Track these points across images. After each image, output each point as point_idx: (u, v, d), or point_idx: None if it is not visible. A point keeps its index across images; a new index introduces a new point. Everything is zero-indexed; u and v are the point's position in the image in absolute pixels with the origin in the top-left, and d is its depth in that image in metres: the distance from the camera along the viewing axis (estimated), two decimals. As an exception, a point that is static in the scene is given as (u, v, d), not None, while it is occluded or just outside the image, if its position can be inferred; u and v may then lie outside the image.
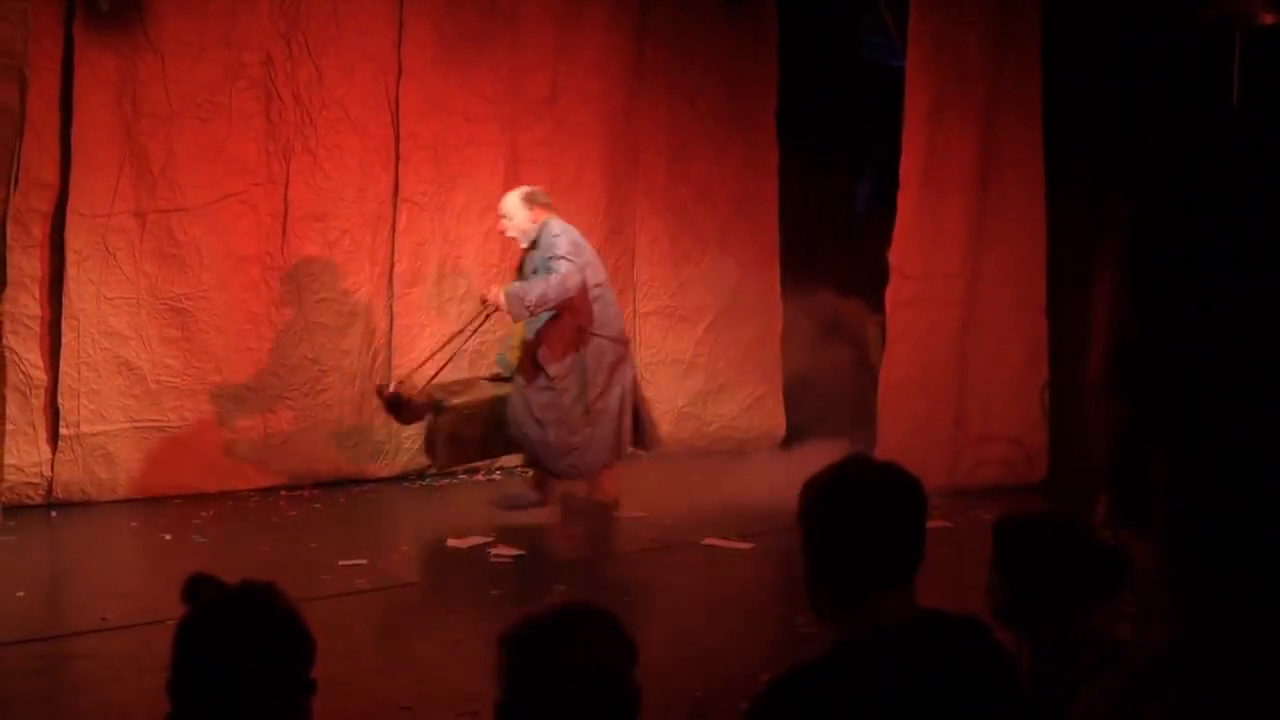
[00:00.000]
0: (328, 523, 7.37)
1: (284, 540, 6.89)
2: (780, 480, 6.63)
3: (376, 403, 7.48)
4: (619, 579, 6.32)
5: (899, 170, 8.34)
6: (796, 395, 9.54)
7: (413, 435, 8.34)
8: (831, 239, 9.46)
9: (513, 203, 7.13)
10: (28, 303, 7.25)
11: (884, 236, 8.44)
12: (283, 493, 7.92)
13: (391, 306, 8.41)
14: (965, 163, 8.37)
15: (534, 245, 7.05)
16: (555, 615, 2.23)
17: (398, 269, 8.41)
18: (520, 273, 7.19)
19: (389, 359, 8.40)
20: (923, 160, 8.33)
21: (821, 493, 2.36)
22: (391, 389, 7.24)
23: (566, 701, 2.15)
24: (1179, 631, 1.98)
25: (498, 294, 7.03)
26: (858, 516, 2.31)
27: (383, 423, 8.15)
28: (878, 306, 8.66)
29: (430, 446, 7.35)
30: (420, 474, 8.46)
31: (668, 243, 9.44)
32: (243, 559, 6.26)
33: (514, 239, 7.18)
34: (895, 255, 8.36)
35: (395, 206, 8.36)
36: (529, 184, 8.42)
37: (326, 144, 8.04)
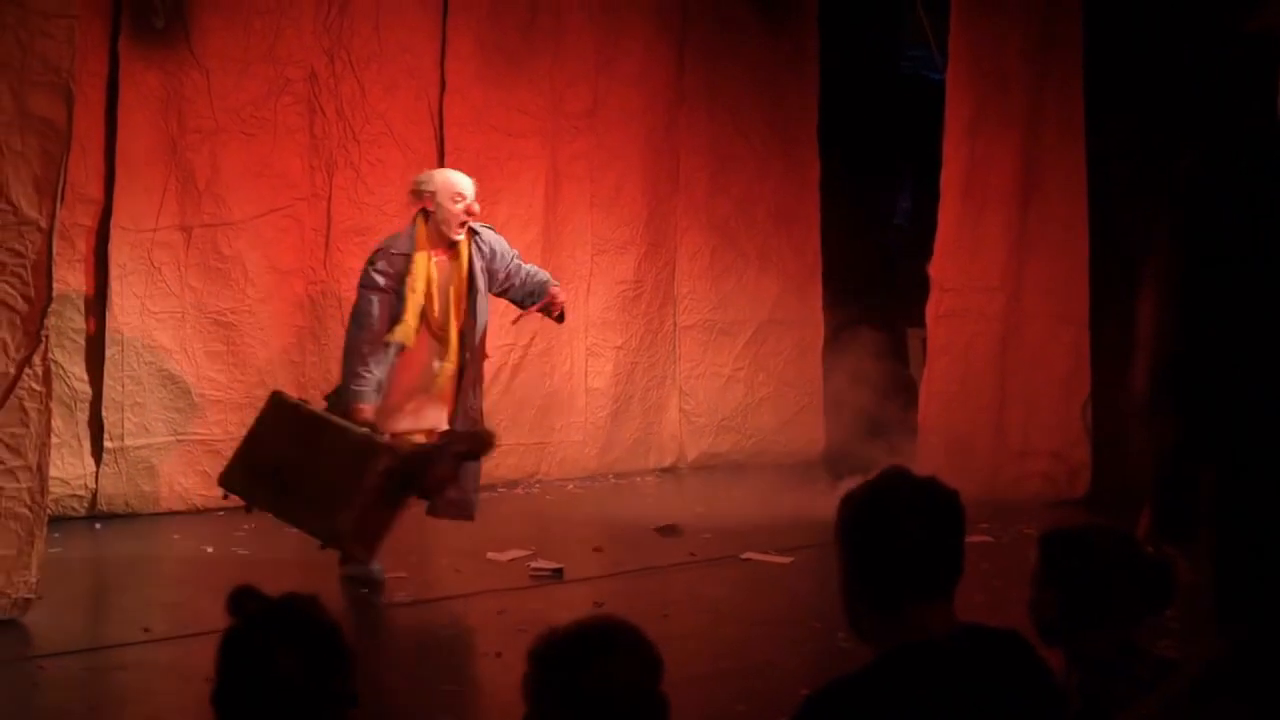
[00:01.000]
0: None
1: (325, 553, 6.64)
2: (819, 494, 7.05)
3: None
4: (658, 593, 6.30)
5: (940, 183, 8.39)
6: (837, 409, 9.52)
7: None
8: (873, 253, 9.53)
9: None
10: (73, 316, 7.30)
11: (925, 250, 8.49)
12: None
13: None
14: (1006, 175, 8.41)
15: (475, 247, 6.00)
16: (581, 631, 2.24)
17: None
18: (471, 287, 5.99)
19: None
20: (963, 172, 8.41)
21: (859, 507, 2.36)
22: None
23: (593, 716, 2.17)
24: (1225, 648, 1.98)
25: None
26: (896, 531, 2.31)
27: None
28: (918, 320, 8.70)
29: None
30: None
31: (708, 256, 9.47)
32: (284, 572, 6.10)
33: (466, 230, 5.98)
34: (936, 269, 8.45)
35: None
36: (568, 198, 8.60)
37: (369, 158, 8.08)
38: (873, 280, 9.32)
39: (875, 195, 10.24)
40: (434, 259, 5.85)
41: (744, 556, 6.88)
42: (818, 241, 9.78)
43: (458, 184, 5.89)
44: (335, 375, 7.72)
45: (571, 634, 2.24)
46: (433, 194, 5.85)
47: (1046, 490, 8.23)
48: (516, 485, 8.41)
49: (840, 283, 9.59)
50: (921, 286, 8.46)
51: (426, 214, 5.82)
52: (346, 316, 7.75)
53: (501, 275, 6.01)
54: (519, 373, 8.61)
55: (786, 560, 6.79)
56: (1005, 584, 5.55)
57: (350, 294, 7.78)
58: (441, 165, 8.18)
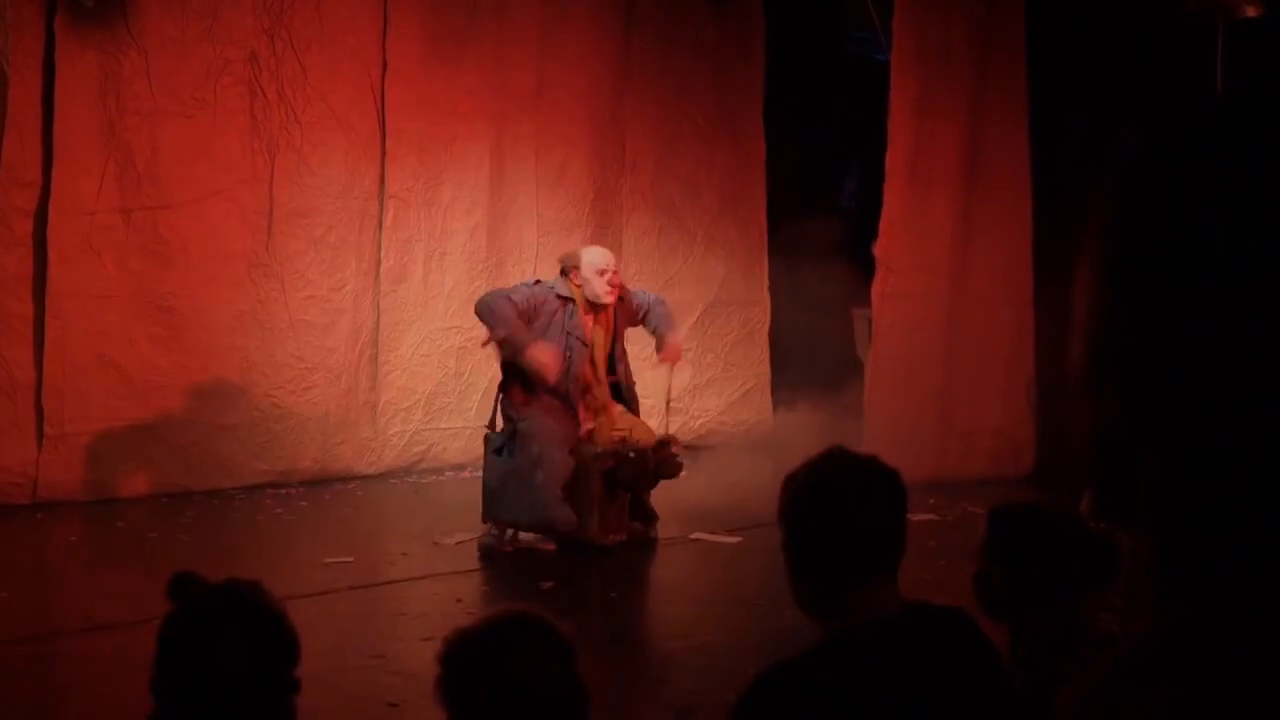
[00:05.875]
0: (314, 521, 7.35)
1: (270, 538, 6.92)
2: (767, 473, 6.70)
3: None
4: (606, 573, 6.33)
5: (885, 164, 8.34)
6: (784, 389, 9.52)
7: (398, 433, 8.43)
8: (818, 234, 9.36)
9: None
10: (11, 302, 7.22)
11: (870, 230, 8.46)
12: (269, 491, 7.87)
13: (378, 303, 8.39)
14: (952, 156, 8.42)
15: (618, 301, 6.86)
16: (488, 628, 2.22)
17: (384, 265, 8.38)
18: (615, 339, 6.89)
19: (375, 356, 8.40)
20: (909, 153, 8.35)
21: (802, 487, 2.34)
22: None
23: (512, 710, 2.16)
24: (1165, 624, 1.97)
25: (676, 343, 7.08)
26: (838, 510, 2.29)
27: (368, 420, 8.23)
28: (864, 300, 8.67)
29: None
30: (406, 471, 8.46)
31: (655, 237, 9.43)
32: (228, 557, 6.24)
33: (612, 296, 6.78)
34: (881, 249, 8.37)
35: (381, 202, 8.33)
36: (514, 178, 8.64)
37: (311, 140, 8.02)
38: (819, 260, 9.19)
39: (822, 176, 10.22)
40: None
41: (693, 537, 6.92)
42: (764, 222, 9.76)
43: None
44: (280, 358, 7.91)
45: (478, 631, 2.21)
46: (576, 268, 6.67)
47: (992, 469, 8.27)
48: (464, 469, 8.37)
49: (787, 263, 9.53)
50: (868, 267, 8.43)
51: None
52: (289, 300, 7.99)
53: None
54: (465, 356, 8.56)
55: (735, 540, 6.82)
56: (951, 562, 5.59)
57: (293, 278, 7.97)
58: (383, 147, 8.24)
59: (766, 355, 9.80)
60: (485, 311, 6.47)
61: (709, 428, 9.67)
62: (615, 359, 6.82)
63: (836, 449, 2.38)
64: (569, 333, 6.52)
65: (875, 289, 8.42)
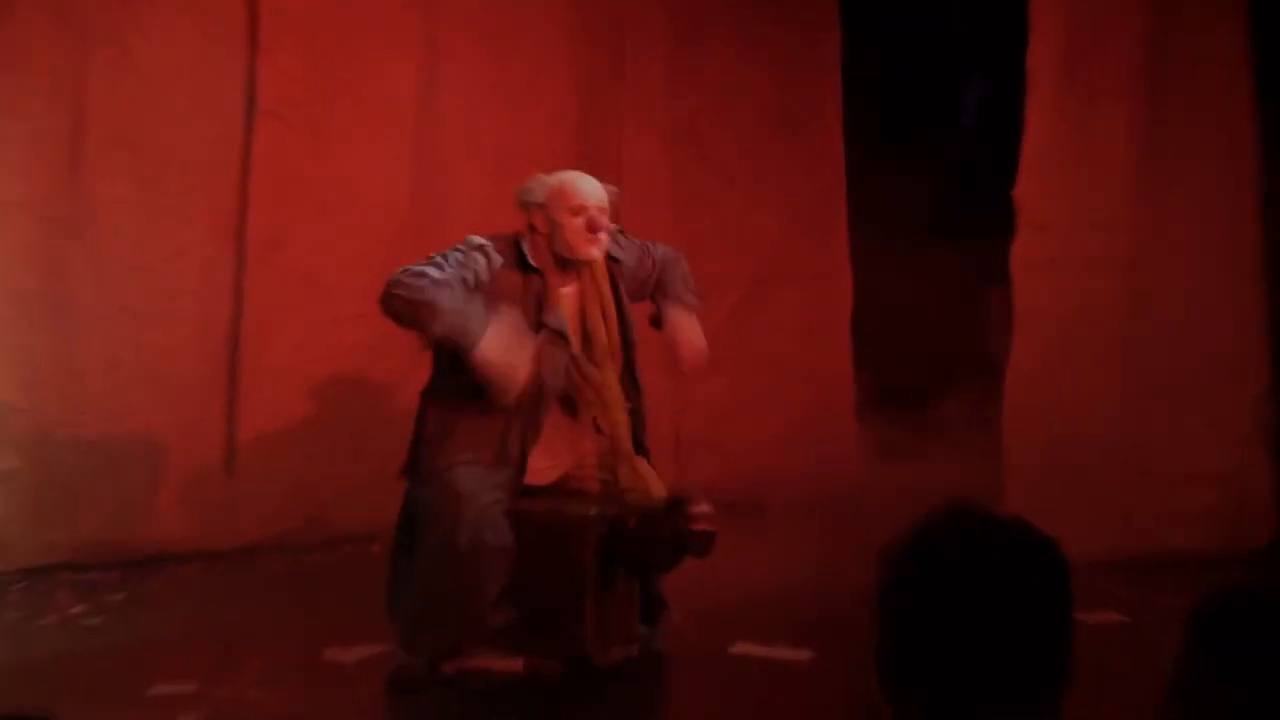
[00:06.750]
0: (134, 623, 7.17)
1: (66, 652, 6.68)
2: (852, 547, 6.77)
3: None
4: (600, 708, 6.03)
5: (1025, 64, 8.17)
6: (875, 411, 9.36)
7: (270, 484, 8.31)
8: (924, 172, 9.47)
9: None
10: None
11: (1004, 167, 8.21)
12: (64, 576, 7.75)
13: (241, 280, 8.19)
14: (1129, 54, 8.15)
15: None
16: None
17: (251, 221, 8.19)
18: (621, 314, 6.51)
19: (235, 363, 8.19)
20: (1061, 47, 8.15)
21: (907, 569, 2.39)
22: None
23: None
24: None
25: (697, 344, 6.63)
26: (963, 606, 2.32)
27: (223, 464, 8.20)
28: (998, 273, 8.41)
29: None
30: (281, 544, 8.32)
31: (669, 177, 9.15)
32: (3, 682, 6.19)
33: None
34: (1023, 194, 8.16)
35: (249, 124, 8.17)
36: (454, 86, 8.71)
37: (144, 27, 7.97)
38: (927, 213, 9.40)
39: (929, 84, 10.23)
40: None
41: (735, 650, 6.62)
42: (841, 153, 9.44)
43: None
44: (85, 365, 7.86)
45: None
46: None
47: (1208, 538, 7.93)
48: (371, 541, 8.14)
49: (877, 218, 9.40)
50: (1003, 221, 8.20)
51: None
52: (101, 274, 8.03)
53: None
54: (376, 361, 8.52)
55: (803, 656, 6.54)
56: (1147, 683, 5.26)
57: (109, 240, 7.94)
58: (253, 38, 8.18)
59: (847, 358, 9.48)
60: (404, 298, 6.02)
61: (755, 468, 9.29)
62: (628, 358, 6.44)
63: (959, 507, 2.42)
64: (540, 322, 6.17)
65: (1015, 256, 8.20)
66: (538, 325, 6.19)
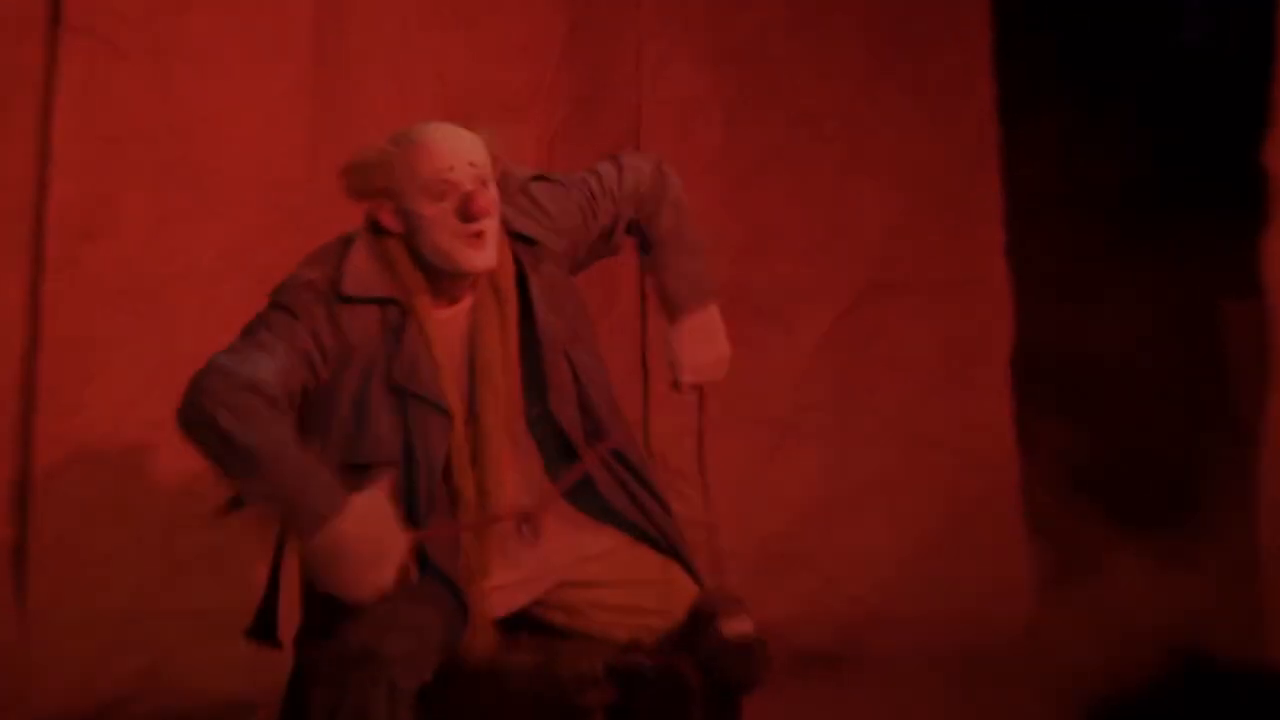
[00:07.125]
0: None
1: None
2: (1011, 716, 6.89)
3: None
4: None
5: None
6: (1057, 491, 7.98)
7: (81, 618, 7.02)
8: (1120, 129, 8.06)
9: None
10: None
11: (1249, 118, 7.17)
12: None
13: (36, 295, 6.89)
14: None
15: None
16: None
17: (52, 201, 6.87)
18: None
19: (30, 411, 6.76)
20: None
21: None
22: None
23: None
24: None
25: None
26: None
27: (12, 588, 6.88)
28: (1241, 280, 7.35)
29: None
30: None
31: (719, 127, 7.72)
32: None
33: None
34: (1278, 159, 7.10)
35: (51, 48, 6.86)
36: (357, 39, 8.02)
37: None
38: (1126, 184, 7.98)
39: None
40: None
41: None
42: (993, 96, 7.77)
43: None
44: None
45: None
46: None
47: None
48: (252, 711, 7.02)
49: (1051, 197, 8.02)
50: (1244, 196, 7.07)
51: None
52: None
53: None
54: None
55: None
56: None
57: None
58: None
59: (1008, 418, 7.77)
60: (213, 425, 4.78)
61: (860, 606, 7.75)
62: (549, 401, 5.01)
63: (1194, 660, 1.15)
64: (398, 387, 4.85)
65: (1268, 253, 7.11)
66: (400, 391, 4.72)
